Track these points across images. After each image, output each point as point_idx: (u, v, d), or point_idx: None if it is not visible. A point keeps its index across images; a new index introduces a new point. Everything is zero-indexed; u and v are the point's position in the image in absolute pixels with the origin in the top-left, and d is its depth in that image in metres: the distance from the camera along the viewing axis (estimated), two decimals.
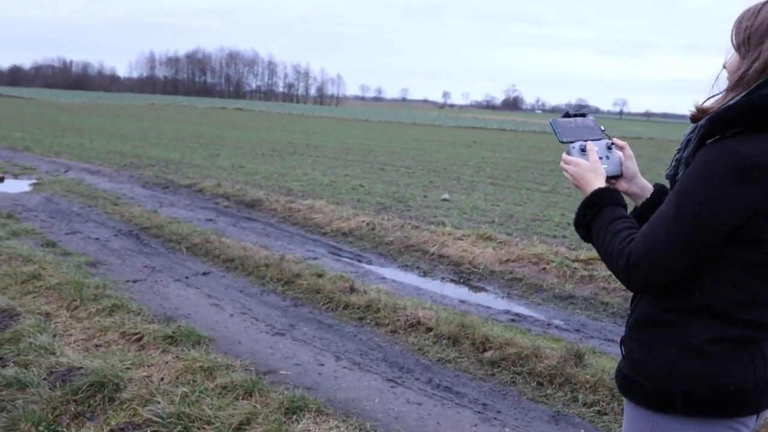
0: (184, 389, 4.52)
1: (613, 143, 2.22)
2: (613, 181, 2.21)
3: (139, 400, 4.46)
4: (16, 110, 49.69)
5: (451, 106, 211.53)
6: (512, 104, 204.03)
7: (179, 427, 4.02)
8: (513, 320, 6.61)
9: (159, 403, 4.31)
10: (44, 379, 4.71)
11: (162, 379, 4.84)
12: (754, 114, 1.70)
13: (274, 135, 35.38)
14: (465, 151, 29.97)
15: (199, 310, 6.35)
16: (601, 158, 2.15)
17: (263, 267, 7.63)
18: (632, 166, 2.20)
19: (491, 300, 7.45)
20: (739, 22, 1.86)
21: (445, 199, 13.63)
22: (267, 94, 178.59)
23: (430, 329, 5.85)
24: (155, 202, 11.91)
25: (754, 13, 1.82)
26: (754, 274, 1.72)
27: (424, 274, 8.31)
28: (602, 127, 2.30)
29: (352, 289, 6.78)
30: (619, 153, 2.22)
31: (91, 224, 9.87)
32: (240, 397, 4.54)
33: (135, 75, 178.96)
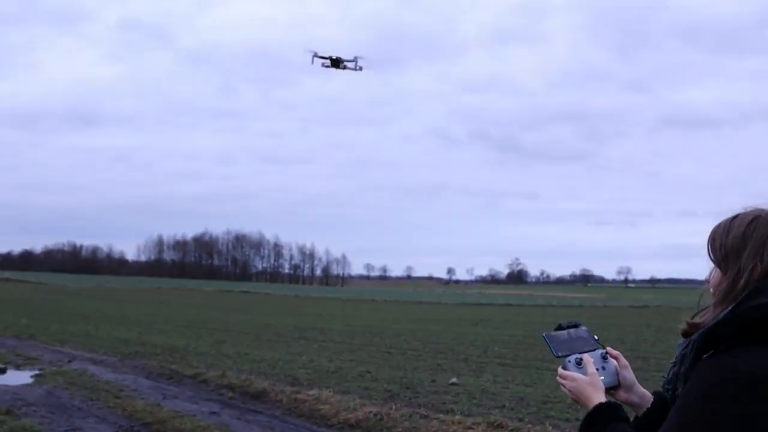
0: None
1: (607, 353, 2.21)
2: (612, 392, 2.18)
3: None
4: (24, 295, 50.08)
5: (456, 282, 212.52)
6: (517, 277, 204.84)
7: None
8: None
9: None
10: None
11: None
12: (744, 328, 1.71)
13: (279, 319, 35.36)
14: (472, 330, 29.79)
15: None
16: (597, 370, 2.13)
17: None
18: (629, 375, 2.17)
19: None
20: (713, 240, 1.92)
21: (453, 383, 13.35)
22: (273, 276, 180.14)
23: None
24: (158, 395, 11.68)
25: (725, 230, 1.89)
26: None
27: None
28: (596, 337, 2.30)
29: None
30: (614, 362, 2.20)
31: (92, 420, 9.63)
32: None
33: (143, 258, 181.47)
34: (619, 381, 2.15)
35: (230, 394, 11.84)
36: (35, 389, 11.96)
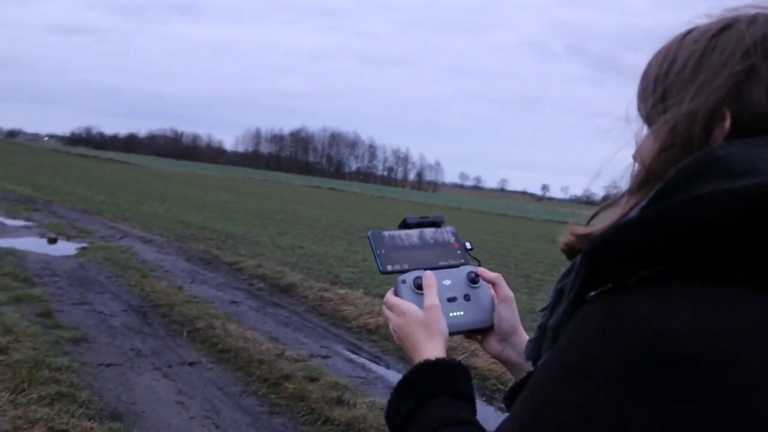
0: None
1: (478, 274, 1.32)
2: (478, 337, 1.33)
3: None
4: (117, 176, 51.63)
5: (550, 199, 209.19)
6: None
7: None
8: None
9: None
10: None
11: None
12: (681, 238, 0.81)
13: (354, 216, 35.06)
14: (545, 246, 28.68)
15: (159, 407, 5.55)
16: (453, 299, 1.29)
17: (255, 363, 6.80)
18: (509, 314, 1.31)
19: None
20: (645, 71, 0.98)
21: None
22: (366, 176, 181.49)
23: None
24: (188, 278, 11.35)
25: (667, 54, 0.95)
26: None
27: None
28: (468, 245, 1.39)
29: (339, 401, 5.85)
30: (489, 291, 1.32)
31: (106, 296, 9.33)
32: None
33: (241, 149, 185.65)
34: (490, 322, 1.29)
35: (260, 285, 11.40)
36: (70, 261, 11.83)
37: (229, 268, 12.79)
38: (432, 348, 1.18)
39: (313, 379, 6.37)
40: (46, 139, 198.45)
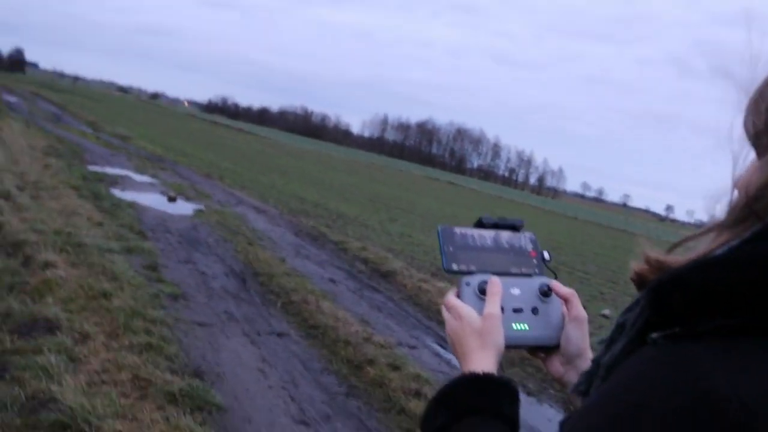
0: None
1: (550, 288, 1.21)
2: (542, 354, 1.22)
3: None
4: (244, 146, 53.32)
5: (673, 221, 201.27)
6: None
7: None
8: None
9: None
10: (20, 402, 4.25)
11: None
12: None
13: (469, 213, 34.77)
14: None
15: (240, 372, 5.65)
16: (519, 310, 1.19)
17: (342, 343, 6.82)
18: (578, 334, 1.20)
19: None
20: (751, 102, 0.83)
21: (603, 315, 12.12)
22: (487, 174, 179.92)
23: None
24: (292, 251, 11.55)
25: None
26: None
27: (528, 394, 7.08)
28: (546, 255, 1.28)
29: (418, 394, 5.78)
30: (561, 306, 1.21)
31: (212, 258, 9.62)
32: None
33: (367, 134, 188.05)
34: (557, 340, 1.19)
35: (361, 267, 11.46)
36: (184, 221, 12.27)
37: (334, 247, 12.93)
38: (482, 360, 1.10)
39: (395, 368, 6.32)
40: (186, 104, 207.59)
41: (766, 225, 0.72)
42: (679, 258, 0.80)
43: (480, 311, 1.13)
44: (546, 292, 1.19)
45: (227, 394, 5.08)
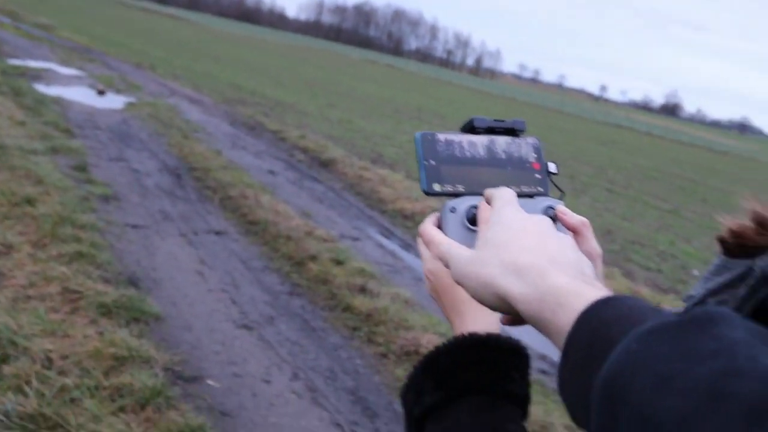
0: (68, 381, 3.61)
1: (556, 213, 0.85)
2: None
3: (15, 382, 3.61)
4: (175, 32, 51.11)
5: (606, 100, 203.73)
6: (670, 110, 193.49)
7: None
8: (543, 372, 5.29)
9: (27, 395, 3.43)
10: None
11: (65, 357, 3.95)
12: None
13: (407, 96, 34.36)
14: (596, 148, 27.90)
15: (177, 276, 5.44)
16: None
17: (283, 239, 6.64)
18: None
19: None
20: None
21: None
22: (425, 57, 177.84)
23: None
24: (229, 143, 11.16)
25: None
26: None
27: None
28: (552, 167, 0.95)
29: (363, 290, 5.67)
30: (569, 237, 0.89)
31: (145, 154, 9.20)
32: (128, 409, 3.58)
33: (302, 17, 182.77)
34: None
35: (300, 157, 11.17)
36: (114, 115, 11.71)
37: (272, 136, 12.56)
38: (479, 315, 0.87)
39: (339, 263, 6.19)
40: None
41: None
42: None
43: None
44: (552, 216, 0.85)
45: (164, 302, 4.88)
